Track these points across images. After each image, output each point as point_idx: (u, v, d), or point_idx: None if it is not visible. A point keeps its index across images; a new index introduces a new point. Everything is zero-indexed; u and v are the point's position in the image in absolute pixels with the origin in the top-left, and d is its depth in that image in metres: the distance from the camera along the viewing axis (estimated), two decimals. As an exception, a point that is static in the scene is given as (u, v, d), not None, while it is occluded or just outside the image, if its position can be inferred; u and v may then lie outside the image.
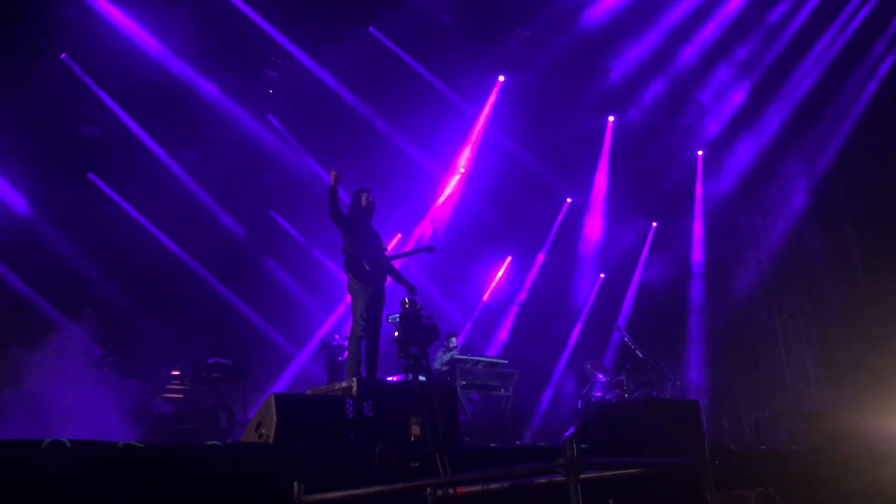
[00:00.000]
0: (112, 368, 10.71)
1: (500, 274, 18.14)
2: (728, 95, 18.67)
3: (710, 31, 17.59)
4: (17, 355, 9.84)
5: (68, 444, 4.97)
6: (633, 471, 4.96)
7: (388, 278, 8.48)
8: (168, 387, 11.12)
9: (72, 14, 12.10)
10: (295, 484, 4.98)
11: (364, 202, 8.69)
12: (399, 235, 15.99)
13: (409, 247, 14.96)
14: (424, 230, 8.84)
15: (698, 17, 17.43)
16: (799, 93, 17.69)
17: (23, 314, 11.46)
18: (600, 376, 13.98)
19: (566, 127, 17.17)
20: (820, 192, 18.10)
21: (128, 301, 12.16)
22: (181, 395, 11.40)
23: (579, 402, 14.01)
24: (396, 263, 8.69)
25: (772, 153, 18.67)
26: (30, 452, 4.84)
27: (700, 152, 19.78)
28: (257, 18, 13.86)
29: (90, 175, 12.84)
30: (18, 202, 11.98)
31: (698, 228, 19.80)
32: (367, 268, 8.19)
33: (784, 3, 17.49)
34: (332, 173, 8.49)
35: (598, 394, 13.73)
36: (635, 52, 17.44)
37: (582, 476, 3.59)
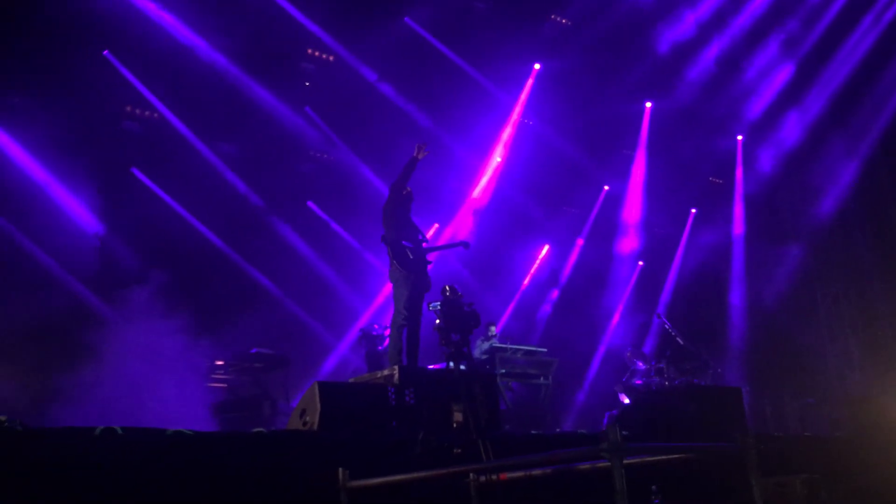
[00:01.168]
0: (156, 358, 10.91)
1: (538, 262, 18.10)
2: (770, 78, 18.44)
3: (751, 11, 17.37)
4: (75, 349, 10.12)
5: (120, 432, 5.10)
6: (676, 456, 4.95)
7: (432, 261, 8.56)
8: (212, 376, 11.29)
9: (113, 10, 12.31)
10: (340, 470, 5.06)
11: (404, 193, 8.72)
12: (436, 225, 16.04)
13: (446, 240, 15.00)
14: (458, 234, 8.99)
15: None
16: (842, 75, 17.41)
17: (77, 310, 11.70)
18: (640, 364, 13.91)
19: (603, 113, 17.05)
20: (863, 175, 17.81)
21: (171, 292, 12.35)
22: (224, 385, 11.56)
23: (618, 392, 13.95)
24: (431, 256, 8.72)
25: (814, 136, 18.40)
26: (84, 439, 4.98)
27: (740, 137, 19.54)
28: (293, 11, 13.98)
29: (134, 169, 13.06)
30: (70, 200, 12.23)
31: (739, 214, 19.58)
32: (411, 256, 8.26)
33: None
34: (420, 146, 8.46)
35: (639, 381, 13.66)
36: (673, 35, 17.28)
37: (625, 461, 3.60)
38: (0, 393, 9.50)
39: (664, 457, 4.86)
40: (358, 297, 14.75)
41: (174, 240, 13.05)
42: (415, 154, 8.46)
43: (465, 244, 9.19)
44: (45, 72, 11.79)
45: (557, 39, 16.62)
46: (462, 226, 16.23)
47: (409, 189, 8.78)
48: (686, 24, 17.45)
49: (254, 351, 11.55)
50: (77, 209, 12.32)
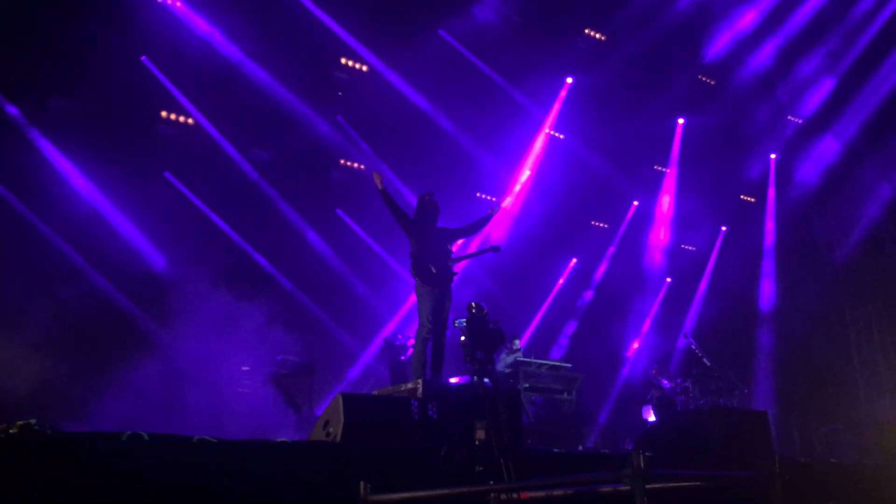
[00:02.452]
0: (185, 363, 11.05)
1: (565, 276, 18.03)
2: (805, 97, 18.28)
3: (791, 27, 17.26)
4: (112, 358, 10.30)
5: (146, 438, 5.15)
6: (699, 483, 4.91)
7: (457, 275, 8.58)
8: (239, 382, 11.37)
9: (151, 17, 12.51)
10: (361, 483, 5.07)
11: (428, 204, 8.74)
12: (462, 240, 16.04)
13: (475, 247, 14.99)
14: (489, 207, 8.93)
15: (776, 17, 17.14)
16: (877, 98, 17.20)
17: (109, 313, 11.86)
18: (665, 382, 13.81)
19: (635, 129, 17.01)
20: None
21: (203, 297, 12.47)
22: (249, 391, 11.63)
23: (644, 408, 13.84)
24: (459, 266, 8.74)
25: (848, 159, 18.23)
26: (111, 444, 5.04)
27: (773, 156, 19.38)
28: (328, 20, 14.10)
29: (167, 174, 13.21)
30: (104, 204, 12.41)
31: (770, 234, 19.40)
32: (434, 270, 8.28)
33: (865, 3, 17.07)
34: (375, 176, 8.58)
35: (663, 401, 13.55)
36: (709, 52, 17.23)
37: (647, 486, 3.58)
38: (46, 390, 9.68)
39: (687, 483, 4.82)
40: (384, 306, 14.78)
41: (203, 244, 13.17)
42: (378, 187, 8.52)
43: (495, 248, 9.22)
44: (82, 76, 11.99)
45: (591, 54, 16.63)
46: (490, 238, 16.21)
47: (434, 202, 8.80)
48: (722, 41, 17.38)
49: (279, 358, 11.62)
50: (111, 211, 12.48)
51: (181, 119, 13.15)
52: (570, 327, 17.53)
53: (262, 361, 11.50)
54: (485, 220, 9.13)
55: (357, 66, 14.52)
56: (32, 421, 4.90)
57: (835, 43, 17.58)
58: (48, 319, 10.35)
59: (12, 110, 11.84)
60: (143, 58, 12.73)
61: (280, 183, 14.20)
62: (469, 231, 9.18)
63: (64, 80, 11.96)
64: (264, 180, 14.06)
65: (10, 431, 4.77)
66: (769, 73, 18.05)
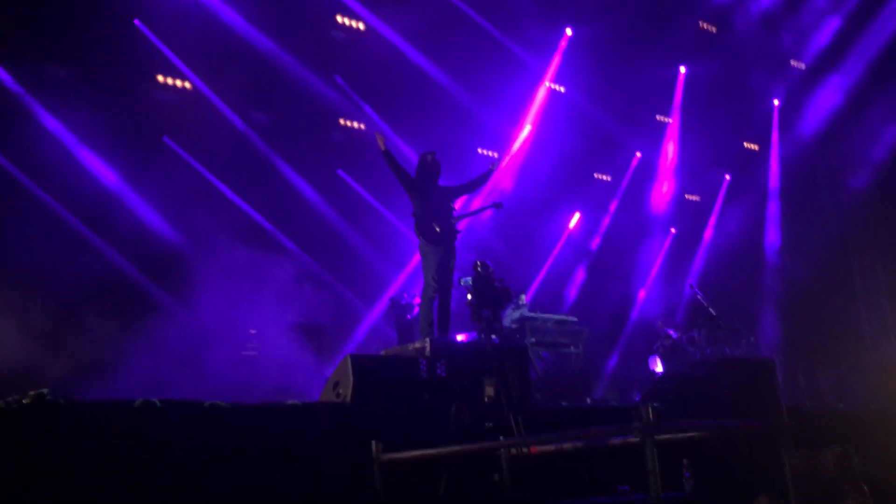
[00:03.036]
0: (191, 328, 11.11)
1: (569, 230, 18.00)
2: (809, 40, 18.04)
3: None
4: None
5: (158, 404, 5.20)
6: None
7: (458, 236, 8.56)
8: (246, 345, 11.44)
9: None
10: (373, 443, 5.13)
11: (430, 163, 8.69)
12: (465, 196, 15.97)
13: (477, 204, 14.94)
14: (490, 162, 8.89)
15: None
16: (883, 37, 16.95)
17: (113, 280, 11.88)
18: (672, 332, 13.87)
19: (636, 79, 16.83)
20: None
21: (205, 262, 12.48)
22: (256, 353, 11.71)
23: (650, 358, 13.92)
24: (462, 224, 8.72)
25: (853, 103, 18.03)
26: (124, 412, 5.09)
27: (776, 102, 19.19)
28: (323, -22, 13.90)
29: (165, 138, 13.13)
30: (102, 169, 12.36)
31: (774, 181, 19.30)
32: (437, 229, 8.25)
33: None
34: (378, 137, 8.53)
35: (670, 350, 13.63)
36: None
37: (657, 438, 3.61)
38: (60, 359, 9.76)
39: (696, 434, 4.86)
40: (389, 266, 14.79)
41: (205, 209, 13.14)
42: (381, 148, 8.47)
43: (497, 205, 9.17)
44: (76, 42, 11.85)
45: (589, 3, 16.36)
46: (493, 193, 16.15)
47: (436, 160, 8.74)
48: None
49: (286, 319, 11.67)
50: (109, 176, 12.43)
51: (178, 83, 13.01)
52: (576, 281, 17.54)
53: (269, 323, 11.56)
54: (485, 177, 9.07)
55: (354, 24, 14.32)
56: (45, 391, 4.94)
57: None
58: (52, 289, 10.39)
59: (7, 79, 11.73)
60: (136, 21, 12.55)
61: (280, 145, 14.11)
62: (470, 188, 9.13)
63: (58, 46, 11.80)
64: (264, 142, 13.98)
65: (24, 402, 4.81)
66: (771, 17, 17.78)
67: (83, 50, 11.94)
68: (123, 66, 12.35)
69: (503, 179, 16.34)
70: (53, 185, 11.72)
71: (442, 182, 8.76)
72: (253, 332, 11.35)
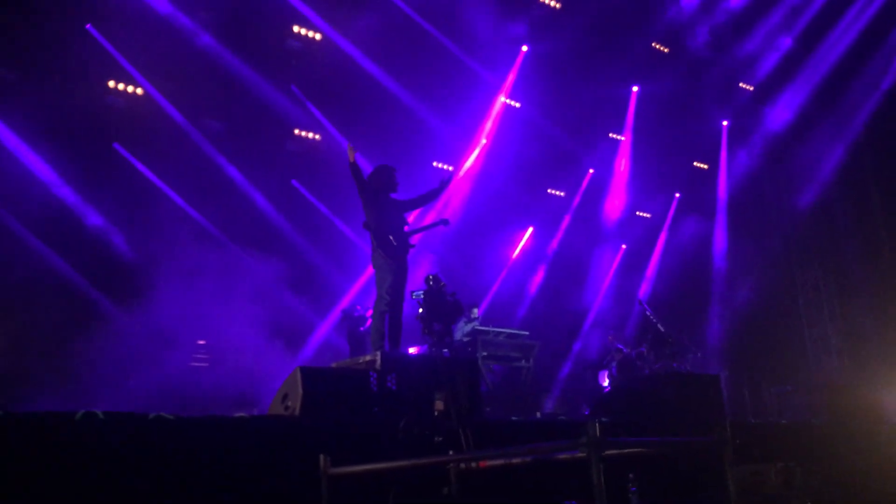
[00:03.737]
0: (140, 338, 10.94)
1: (521, 244, 18.12)
2: (757, 64, 18.48)
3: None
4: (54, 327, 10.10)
5: (101, 416, 5.08)
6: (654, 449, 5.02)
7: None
8: (195, 355, 11.29)
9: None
10: (321, 456, 5.09)
11: (386, 176, 8.69)
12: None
13: (431, 219, 14.97)
14: (441, 175, 8.93)
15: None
16: (829, 62, 17.46)
17: (57, 285, 11.62)
18: (622, 347, 14.04)
19: (590, 97, 17.07)
20: (847, 161, 17.95)
21: (155, 270, 12.29)
22: (206, 365, 11.56)
23: (601, 373, 14.07)
24: (414, 239, 8.72)
25: (799, 124, 18.51)
26: (64, 424, 4.97)
27: (725, 122, 19.63)
28: (279, -12, 13.83)
29: (116, 145, 12.92)
30: (50, 176, 12.10)
31: (722, 199, 19.71)
32: (395, 242, 8.25)
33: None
34: (349, 149, 8.54)
35: (619, 365, 13.79)
36: (664, 18, 17.31)
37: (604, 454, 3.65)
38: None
39: (643, 450, 4.92)
40: (341, 277, 14.73)
41: (155, 216, 12.95)
42: (350, 159, 8.50)
43: (444, 221, 9.19)
44: (25, 45, 11.63)
45: (546, 21, 16.56)
46: (447, 207, 16.20)
47: (391, 172, 8.76)
48: (675, 7, 17.47)
49: (236, 330, 11.55)
50: (57, 183, 12.18)
51: (129, 89, 12.82)
52: (528, 295, 17.65)
53: (218, 334, 11.43)
54: (436, 192, 9.06)
55: (310, 34, 14.27)
56: (-18, 402, 4.81)
57: (787, 7, 17.75)
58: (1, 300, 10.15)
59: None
60: (88, 26, 12.34)
61: (233, 153, 13.99)
62: (421, 202, 9.13)
63: (6, 49, 11.57)
64: (217, 151, 13.83)
65: (-41, 413, 4.68)
66: (721, 39, 18.17)
67: (32, 53, 11.71)
68: (74, 71, 12.13)
69: (457, 193, 16.41)
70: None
71: (394, 195, 8.76)
72: (202, 342, 11.19)
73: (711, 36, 17.73)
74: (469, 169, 16.67)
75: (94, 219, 12.38)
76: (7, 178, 11.58)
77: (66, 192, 12.20)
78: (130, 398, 9.55)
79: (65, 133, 11.90)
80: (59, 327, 10.57)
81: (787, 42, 18.15)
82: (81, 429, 4.99)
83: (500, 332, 12.43)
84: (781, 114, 18.81)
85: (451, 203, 16.34)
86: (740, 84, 19.10)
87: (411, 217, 9.09)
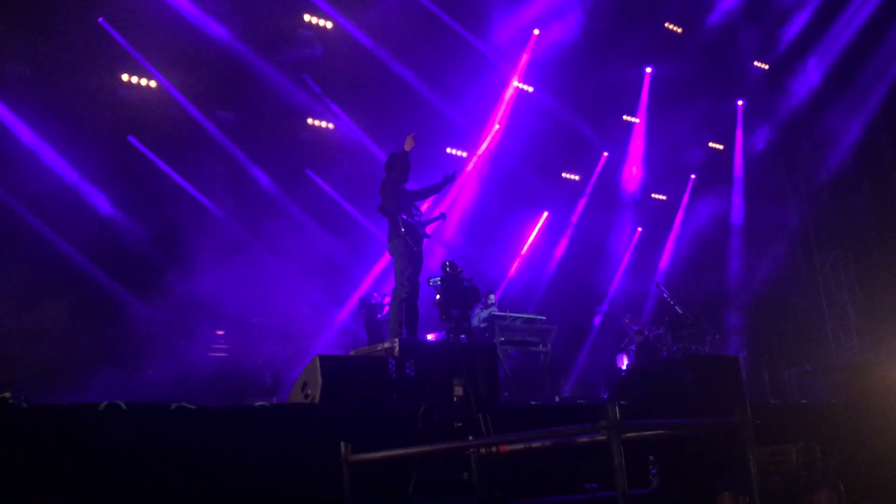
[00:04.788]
0: (158, 327, 11.04)
1: (537, 229, 18.09)
2: (771, 42, 18.29)
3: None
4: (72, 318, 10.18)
5: (124, 407, 5.14)
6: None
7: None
8: (214, 346, 11.36)
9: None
10: (342, 444, 5.12)
11: (401, 164, 8.71)
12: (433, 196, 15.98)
13: (444, 207, 14.93)
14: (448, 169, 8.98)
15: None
16: (841, 42, 17.26)
17: (74, 277, 11.70)
18: (639, 330, 13.99)
19: (603, 79, 16.96)
20: (864, 138, 17.76)
21: (171, 261, 12.36)
22: (226, 355, 11.64)
23: (618, 356, 14.04)
24: (432, 226, 8.78)
25: (815, 102, 18.31)
26: (88, 415, 5.03)
27: (740, 102, 19.46)
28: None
29: (130, 138, 12.97)
30: (67, 170, 12.18)
31: (738, 179, 19.56)
32: (418, 230, 8.35)
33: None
34: (410, 138, 8.50)
35: (637, 348, 13.75)
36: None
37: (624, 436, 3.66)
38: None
39: (662, 431, 4.92)
40: (357, 266, 14.75)
41: (170, 209, 13.03)
42: (405, 147, 8.48)
43: (441, 216, 9.24)
44: (39, 40, 11.67)
45: (557, 4, 16.43)
46: (461, 194, 16.19)
47: (406, 159, 8.77)
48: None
49: (254, 320, 11.61)
50: (73, 177, 12.27)
51: (143, 82, 12.85)
52: (544, 279, 17.63)
53: (234, 324, 11.50)
54: (439, 186, 9.08)
55: (322, 23, 14.24)
56: (7, 395, 4.86)
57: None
58: (15, 292, 10.23)
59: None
60: (101, 20, 12.38)
61: (247, 144, 14.02)
62: (426, 193, 9.20)
63: (21, 46, 11.63)
64: (230, 141, 13.87)
65: (-15, 406, 4.74)
66: (735, 18, 17.98)
67: (46, 49, 11.76)
68: (87, 65, 12.18)
69: (471, 179, 16.40)
70: (17, 188, 11.54)
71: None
72: (220, 332, 11.27)
73: (725, 14, 17.52)
74: (483, 154, 16.64)
75: (109, 210, 12.46)
76: (26, 173, 11.67)
77: (82, 184, 12.27)
78: (149, 388, 9.64)
79: (80, 126, 11.96)
80: (77, 319, 10.66)
81: (802, 18, 17.93)
82: (106, 419, 5.06)
83: (518, 317, 12.45)
84: (797, 92, 18.63)
85: (466, 189, 16.34)
86: (755, 63, 18.90)
87: (424, 206, 9.12)
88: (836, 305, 18.07)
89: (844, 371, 12.02)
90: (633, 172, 18.72)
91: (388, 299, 10.50)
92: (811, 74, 18.30)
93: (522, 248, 17.74)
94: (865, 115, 17.60)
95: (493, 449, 5.32)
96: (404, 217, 8.35)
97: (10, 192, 11.51)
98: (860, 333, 17.38)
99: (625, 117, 18.67)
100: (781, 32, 18.20)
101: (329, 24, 14.26)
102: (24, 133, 11.87)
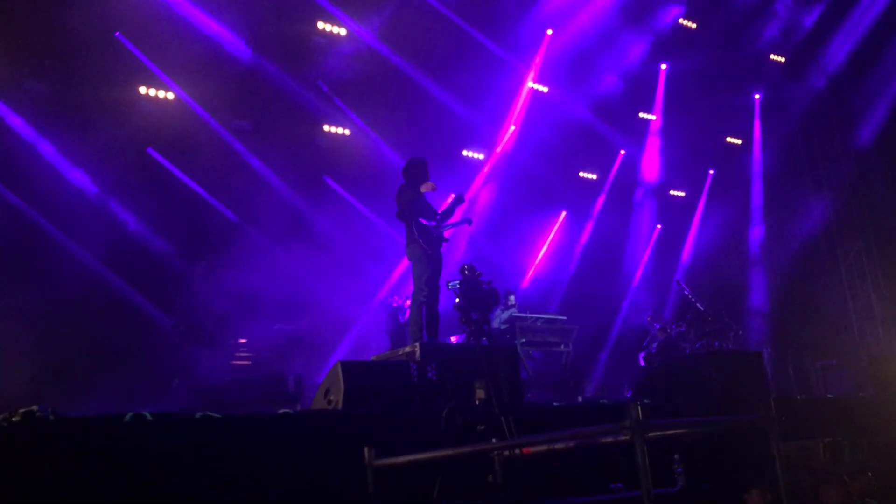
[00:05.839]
0: (183, 337, 11.12)
1: (555, 229, 18.04)
2: (790, 30, 18.16)
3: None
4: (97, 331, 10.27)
5: (149, 417, 5.19)
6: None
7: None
8: (236, 354, 11.43)
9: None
10: (365, 449, 5.14)
11: (421, 170, 8.75)
12: (452, 195, 15.96)
13: (461, 210, 14.93)
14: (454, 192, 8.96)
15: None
16: (862, 28, 17.11)
17: (99, 289, 11.81)
18: (662, 328, 13.93)
19: (618, 77, 16.91)
20: (884, 129, 17.59)
21: (193, 271, 12.45)
22: (249, 362, 11.70)
23: (641, 354, 13.99)
24: (449, 231, 8.83)
25: (834, 91, 18.16)
26: (115, 426, 5.08)
27: (757, 96, 19.32)
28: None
29: (150, 150, 13.08)
30: (85, 181, 12.31)
31: (757, 173, 19.42)
32: (434, 234, 8.39)
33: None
34: (429, 184, 8.52)
35: (659, 346, 13.70)
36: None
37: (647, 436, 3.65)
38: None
39: (686, 430, 4.89)
40: (376, 270, 14.78)
41: (192, 219, 13.14)
42: (422, 189, 8.47)
43: (467, 221, 9.26)
44: (56, 55, 11.82)
45: (570, 2, 16.39)
46: (479, 195, 16.19)
47: (425, 165, 8.81)
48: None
49: (276, 327, 11.67)
50: (93, 189, 12.39)
51: (160, 94, 12.96)
52: (564, 280, 17.58)
53: (257, 332, 11.56)
54: (448, 213, 8.96)
55: (335, 30, 14.30)
56: (35, 408, 4.91)
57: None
58: (41, 307, 10.33)
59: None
60: (117, 34, 12.50)
61: (265, 152, 14.09)
62: (444, 218, 9.18)
63: (38, 61, 11.77)
64: (248, 151, 13.95)
65: (13, 420, 4.79)
66: (749, 11, 17.86)
67: (64, 64, 11.90)
68: (105, 79, 12.30)
69: (489, 181, 16.41)
70: (39, 202, 11.67)
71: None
72: (243, 340, 11.34)
73: (739, 8, 17.42)
74: (500, 156, 16.63)
75: (130, 221, 12.58)
76: (51, 191, 11.80)
77: (102, 198, 12.39)
78: (174, 398, 9.71)
79: (99, 140, 12.07)
80: (100, 331, 10.76)
81: (816, 10, 17.79)
82: (131, 430, 5.10)
83: (538, 318, 12.44)
84: (815, 84, 18.48)
85: (484, 191, 16.34)
86: (771, 56, 18.76)
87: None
88: (859, 297, 17.90)
89: (870, 363, 11.88)
90: (650, 169, 18.63)
91: (408, 303, 10.55)
92: (828, 67, 18.15)
93: (542, 249, 17.69)
94: (887, 102, 17.42)
95: (517, 451, 5.31)
96: (421, 221, 8.39)
97: (34, 206, 11.65)
98: (885, 324, 17.21)
99: (641, 114, 18.58)
100: (797, 24, 18.07)
101: (343, 31, 14.32)
102: (47, 150, 12.01)
